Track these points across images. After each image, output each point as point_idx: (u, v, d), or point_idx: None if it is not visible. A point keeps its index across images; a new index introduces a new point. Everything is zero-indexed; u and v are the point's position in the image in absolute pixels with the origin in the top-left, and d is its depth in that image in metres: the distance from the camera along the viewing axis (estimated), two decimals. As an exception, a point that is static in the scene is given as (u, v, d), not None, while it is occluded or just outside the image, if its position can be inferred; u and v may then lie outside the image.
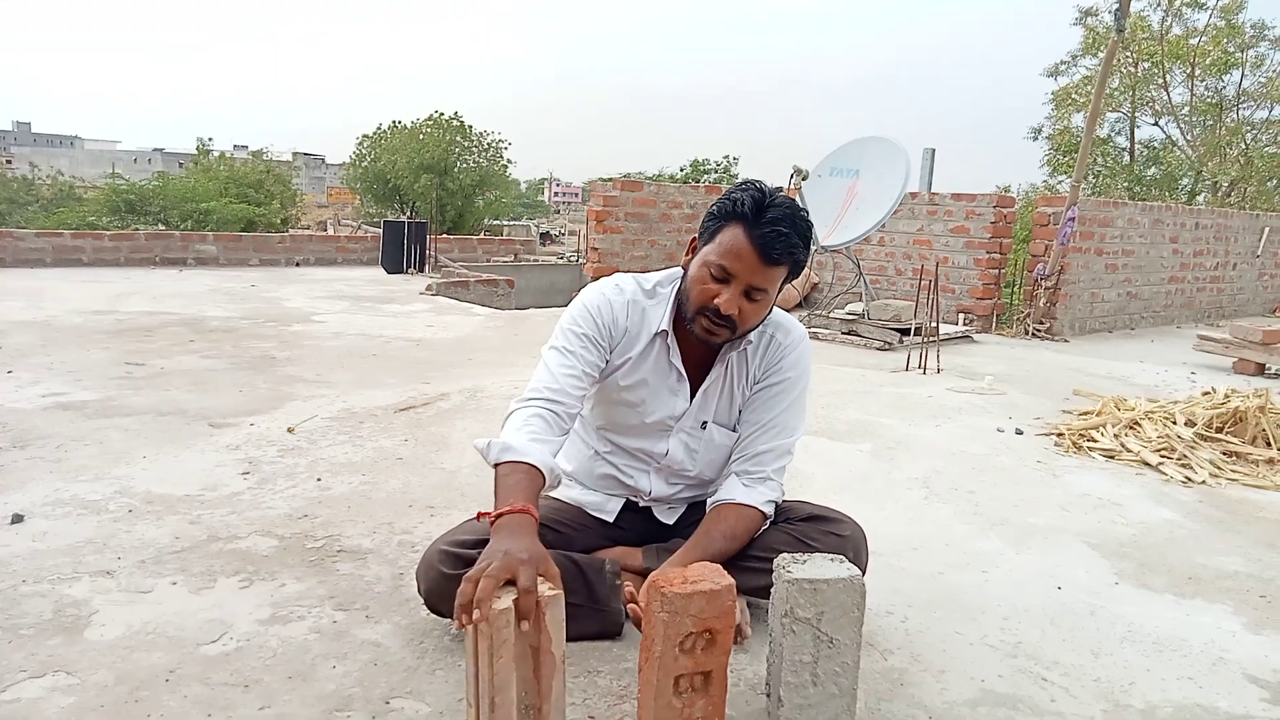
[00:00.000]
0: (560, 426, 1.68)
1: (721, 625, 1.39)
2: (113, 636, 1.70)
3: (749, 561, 1.76)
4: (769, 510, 1.79)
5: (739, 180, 1.74)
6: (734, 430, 1.86)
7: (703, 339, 1.71)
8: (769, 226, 1.61)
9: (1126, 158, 17.43)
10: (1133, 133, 17.44)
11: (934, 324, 5.57)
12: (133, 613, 1.79)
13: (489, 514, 1.46)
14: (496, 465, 1.57)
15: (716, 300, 1.64)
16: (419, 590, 1.72)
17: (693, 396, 1.83)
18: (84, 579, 1.94)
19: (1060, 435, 3.70)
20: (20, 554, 2.05)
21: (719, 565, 1.46)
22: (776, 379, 1.82)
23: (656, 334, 1.78)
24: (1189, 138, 17.31)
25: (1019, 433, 3.75)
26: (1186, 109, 17.05)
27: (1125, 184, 16.55)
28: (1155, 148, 17.39)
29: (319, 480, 2.69)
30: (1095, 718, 1.60)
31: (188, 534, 2.22)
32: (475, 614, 1.25)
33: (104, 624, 1.75)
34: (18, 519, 2.25)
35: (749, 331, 1.74)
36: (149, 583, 1.94)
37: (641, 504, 1.92)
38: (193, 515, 2.35)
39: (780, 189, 1.67)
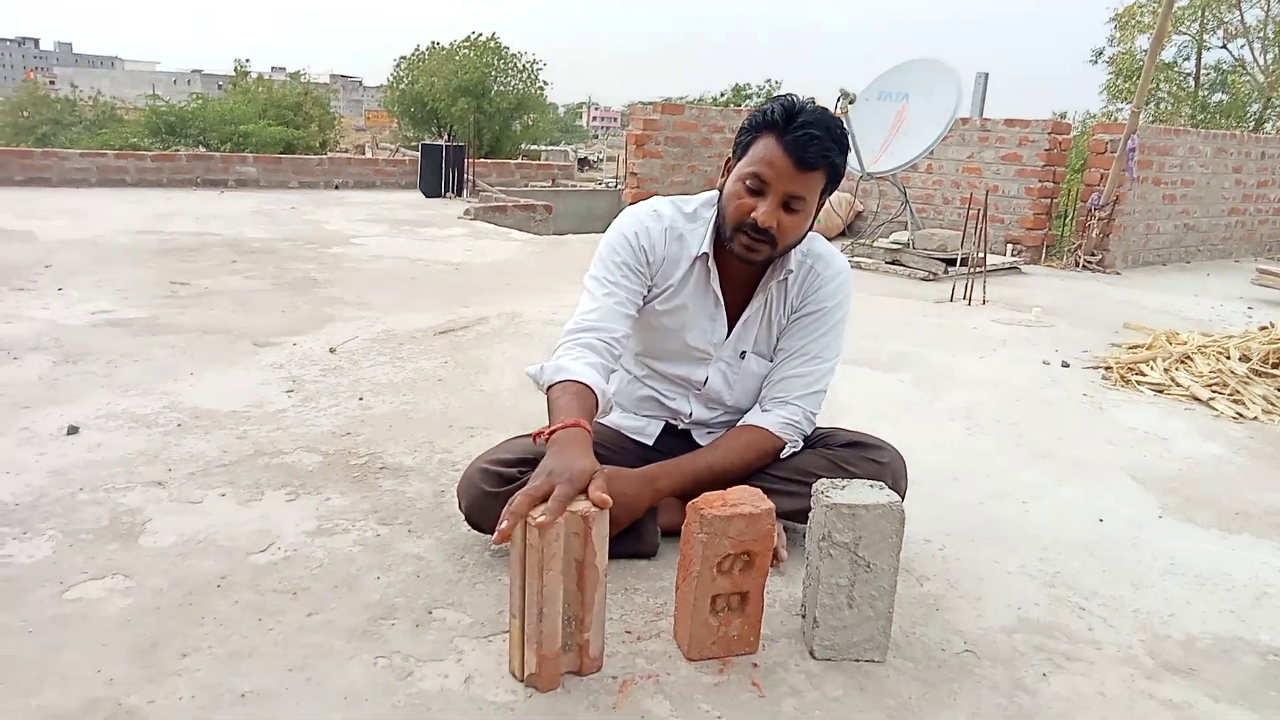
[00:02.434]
0: (611, 354, 1.68)
1: (759, 548, 1.41)
2: (166, 543, 1.76)
3: (786, 485, 1.77)
4: (783, 433, 1.79)
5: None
6: (771, 360, 1.86)
7: (742, 258, 1.69)
8: (801, 130, 1.57)
9: (1191, 83, 16.68)
10: (1199, 57, 16.66)
11: (981, 254, 5.45)
12: (184, 522, 1.86)
13: (542, 432, 1.48)
14: (549, 388, 1.58)
15: (754, 214, 1.62)
16: (460, 507, 1.75)
17: (732, 326, 1.82)
18: (137, 489, 2.00)
19: (1108, 369, 3.63)
20: (77, 464, 2.13)
21: (758, 489, 1.47)
22: (813, 308, 1.81)
23: (696, 258, 1.76)
24: (1261, 62, 16.48)
25: (1065, 365, 3.69)
26: (1261, 30, 16.19)
27: (1189, 111, 15.88)
28: (1224, 71, 16.60)
29: (361, 399, 2.74)
30: (1133, 647, 1.61)
31: (235, 448, 2.28)
32: (503, 525, 1.27)
33: (157, 531, 1.81)
34: (73, 430, 2.32)
35: (790, 247, 1.72)
36: (199, 494, 2.00)
37: (681, 426, 1.93)
38: (239, 430, 2.41)
39: (823, 109, 1.62)
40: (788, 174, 1.59)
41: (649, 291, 1.79)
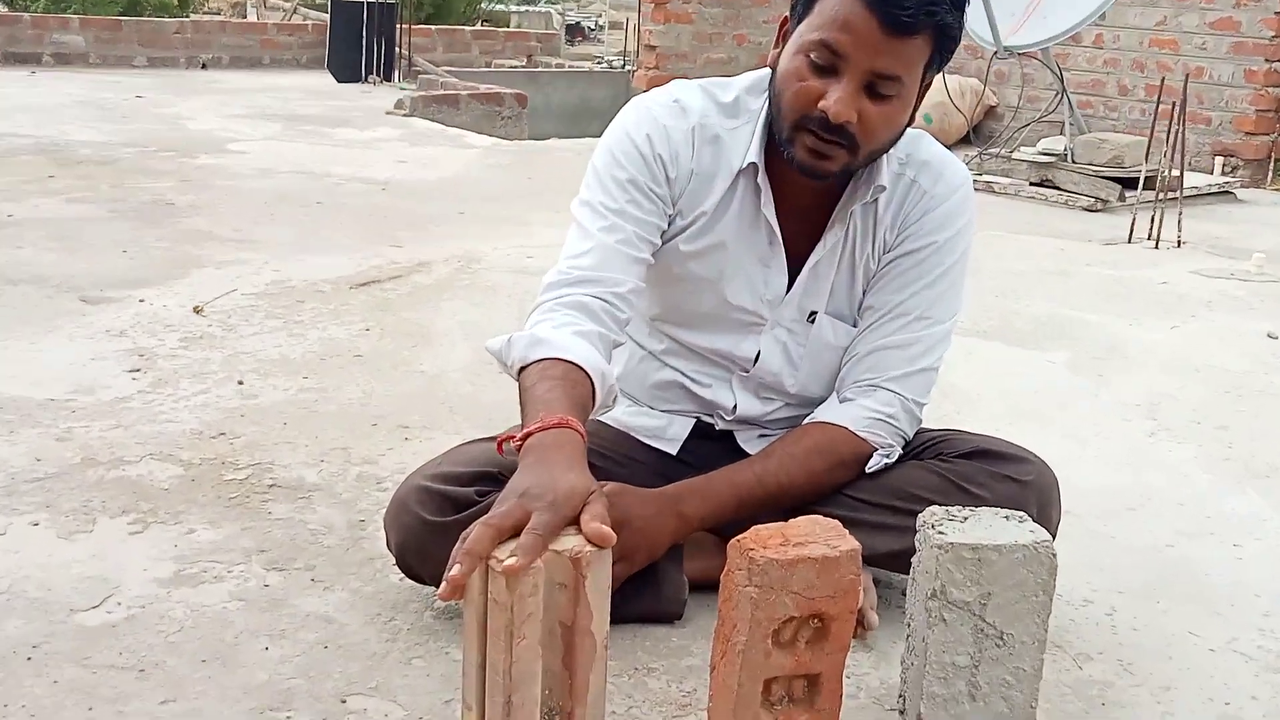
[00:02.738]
0: (614, 319, 1.68)
1: (837, 609, 1.40)
2: (-48, 595, 1.78)
3: (877, 515, 1.77)
4: (871, 433, 1.79)
5: None
6: (855, 326, 1.86)
7: (807, 169, 1.66)
8: None
9: None
10: None
11: (1176, 172, 5.40)
12: (-21, 563, 1.87)
13: (512, 436, 1.47)
14: (522, 370, 1.57)
15: (823, 103, 1.58)
16: (389, 545, 1.76)
17: (795, 276, 1.82)
18: (-91, 514, 2.02)
19: (1366, 346, 3.62)
20: None
21: (834, 519, 1.46)
22: (918, 243, 1.80)
23: (740, 171, 1.75)
24: None
25: (1301, 340, 3.68)
26: None
27: None
28: None
29: (241, 384, 2.75)
30: (1398, 764, 1.60)
31: (54, 455, 2.29)
32: (454, 570, 1.24)
33: (-61, 578, 1.82)
34: None
35: (879, 153, 1.70)
36: (0, 522, 2.01)
37: (720, 426, 1.93)
38: (60, 428, 2.43)
39: None
40: (873, 41, 1.56)
41: (670, 224, 1.79)
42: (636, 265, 1.72)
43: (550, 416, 1.45)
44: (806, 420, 1.85)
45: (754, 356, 1.86)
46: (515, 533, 1.30)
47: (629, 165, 1.74)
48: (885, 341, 1.81)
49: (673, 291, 1.85)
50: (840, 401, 1.83)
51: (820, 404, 1.89)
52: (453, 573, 1.27)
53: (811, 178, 1.69)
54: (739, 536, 1.41)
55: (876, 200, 1.78)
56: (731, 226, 1.79)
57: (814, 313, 1.84)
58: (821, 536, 1.41)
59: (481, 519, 1.32)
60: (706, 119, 1.77)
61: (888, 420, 1.80)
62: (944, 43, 1.61)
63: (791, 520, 1.45)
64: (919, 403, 1.83)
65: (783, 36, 1.69)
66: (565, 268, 1.70)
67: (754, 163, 1.74)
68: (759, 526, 1.43)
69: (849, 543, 1.40)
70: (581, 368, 1.56)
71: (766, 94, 1.74)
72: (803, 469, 1.78)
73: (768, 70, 1.75)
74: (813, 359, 1.87)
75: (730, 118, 1.78)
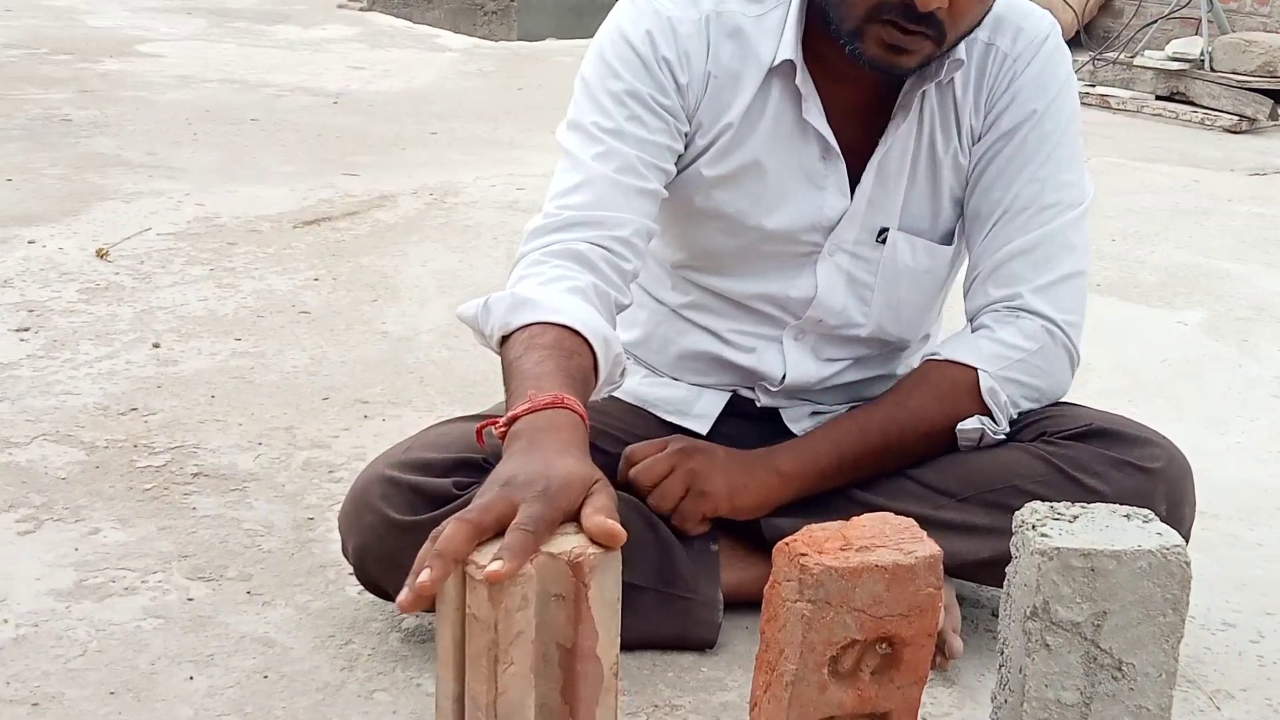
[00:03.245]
0: (615, 269, 1.68)
1: (912, 631, 1.41)
2: None
3: (963, 512, 1.78)
4: (996, 376, 1.78)
5: None
6: (946, 243, 1.88)
7: (881, 65, 1.66)
8: None
9: None
10: None
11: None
12: None
13: (494, 420, 1.46)
14: (505, 340, 1.57)
15: None
16: (344, 550, 1.77)
17: (854, 186, 1.82)
18: None
19: None
20: None
21: (910, 520, 1.46)
22: (1016, 118, 1.81)
23: (772, 69, 1.75)
24: None
25: None
26: None
27: None
28: None
29: (156, 346, 2.76)
30: None
31: (-78, 435, 2.31)
32: (424, 577, 1.23)
33: None
34: None
35: (965, 37, 1.69)
36: None
37: (762, 403, 1.94)
38: (-70, 402, 2.44)
39: None
40: None
41: (687, 144, 1.79)
42: (643, 199, 1.72)
43: (540, 395, 1.44)
44: (925, 355, 1.86)
45: (811, 292, 1.85)
46: (500, 530, 1.30)
47: (626, 73, 1.74)
48: (1012, 248, 1.80)
49: (698, 229, 1.85)
50: (971, 331, 1.83)
51: (900, 355, 1.89)
52: (420, 579, 1.25)
53: (885, 74, 1.69)
54: (786, 539, 1.41)
55: (953, 79, 1.77)
56: (766, 140, 1.78)
57: (884, 230, 1.84)
58: (893, 539, 1.41)
59: (458, 514, 1.31)
60: (723, 5, 1.76)
61: (1029, 359, 1.78)
62: None
63: (854, 519, 1.45)
64: (1074, 324, 1.80)
65: None
66: (553, 209, 1.70)
67: (789, 59, 1.73)
68: (813, 526, 1.43)
69: (928, 547, 1.39)
70: (579, 332, 1.54)
71: None
72: (930, 415, 1.78)
73: None
74: (887, 289, 1.87)
75: (754, 2, 1.77)
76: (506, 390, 1.51)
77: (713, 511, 1.74)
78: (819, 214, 1.81)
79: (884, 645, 1.41)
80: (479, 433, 1.50)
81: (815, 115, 1.76)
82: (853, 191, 1.81)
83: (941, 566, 1.41)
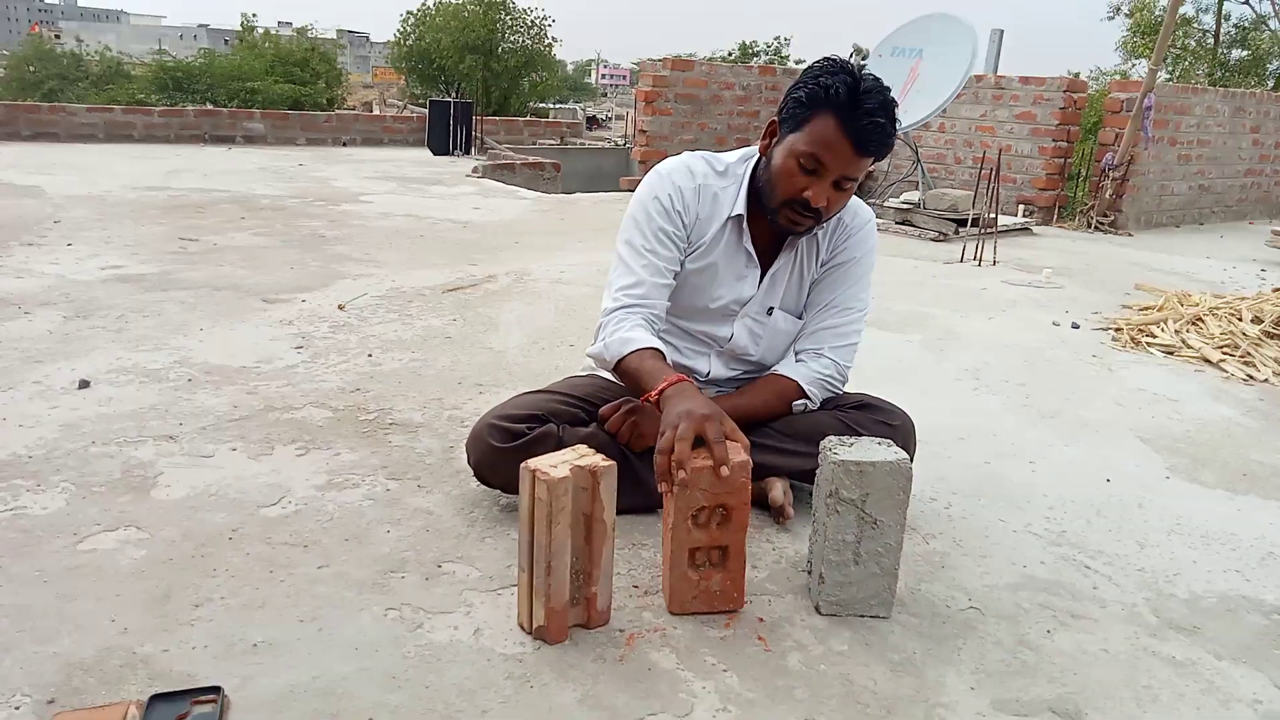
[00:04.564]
0: (656, 324, 1.70)
1: (735, 501, 1.41)
2: (178, 496, 1.78)
3: (797, 445, 1.77)
4: (812, 388, 1.79)
5: (820, 61, 1.61)
6: (799, 317, 1.85)
7: (786, 229, 1.68)
8: (867, 119, 1.52)
9: (1211, 40, 16.35)
10: (1219, 11, 16.30)
11: (992, 215, 5.38)
12: (196, 475, 1.87)
13: (651, 395, 1.52)
14: (620, 360, 1.61)
15: (806, 193, 1.59)
16: (469, 462, 1.76)
17: (759, 281, 1.80)
18: (149, 443, 2.01)
19: (1118, 330, 3.60)
20: (89, 417, 2.14)
21: (738, 444, 1.44)
22: (843, 258, 1.81)
23: (730, 218, 1.74)
24: (1282, 18, 16.15)
25: (1075, 327, 3.66)
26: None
27: (1206, 69, 15.59)
28: (1244, 28, 16.27)
29: (370, 356, 2.74)
30: (1137, 605, 1.61)
31: (245, 403, 2.29)
32: (680, 475, 1.35)
33: (169, 485, 1.82)
34: (85, 384, 2.33)
35: (831, 218, 1.70)
36: (210, 448, 2.01)
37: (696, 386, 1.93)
38: (249, 386, 2.42)
39: (885, 89, 1.56)
40: (846, 159, 1.56)
41: (684, 254, 1.77)
42: (666, 289, 1.74)
43: (671, 376, 1.52)
44: (772, 370, 1.85)
45: (730, 336, 1.84)
46: (697, 440, 1.38)
47: (659, 218, 1.73)
48: (824, 325, 1.81)
49: (678, 293, 1.83)
50: (795, 360, 1.83)
51: (767, 366, 1.89)
52: (680, 476, 1.36)
53: (788, 233, 1.72)
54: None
55: (817, 232, 1.77)
56: (721, 253, 1.77)
57: (772, 308, 1.83)
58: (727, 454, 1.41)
59: (666, 437, 1.39)
60: (708, 180, 1.76)
61: (826, 380, 1.81)
62: (884, 151, 1.60)
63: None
64: (846, 366, 1.83)
65: (770, 133, 1.68)
66: (622, 295, 1.70)
67: (740, 214, 1.73)
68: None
69: (741, 456, 1.40)
70: (659, 350, 1.61)
71: (749, 163, 1.75)
72: (763, 403, 1.79)
73: (754, 151, 1.75)
74: (769, 339, 1.86)
75: (724, 180, 1.76)
76: (640, 380, 1.58)
77: (650, 440, 1.72)
78: (740, 295, 1.80)
79: (721, 509, 1.42)
80: (644, 399, 1.57)
81: (748, 243, 1.76)
82: (759, 285, 1.80)
83: (749, 469, 1.41)
